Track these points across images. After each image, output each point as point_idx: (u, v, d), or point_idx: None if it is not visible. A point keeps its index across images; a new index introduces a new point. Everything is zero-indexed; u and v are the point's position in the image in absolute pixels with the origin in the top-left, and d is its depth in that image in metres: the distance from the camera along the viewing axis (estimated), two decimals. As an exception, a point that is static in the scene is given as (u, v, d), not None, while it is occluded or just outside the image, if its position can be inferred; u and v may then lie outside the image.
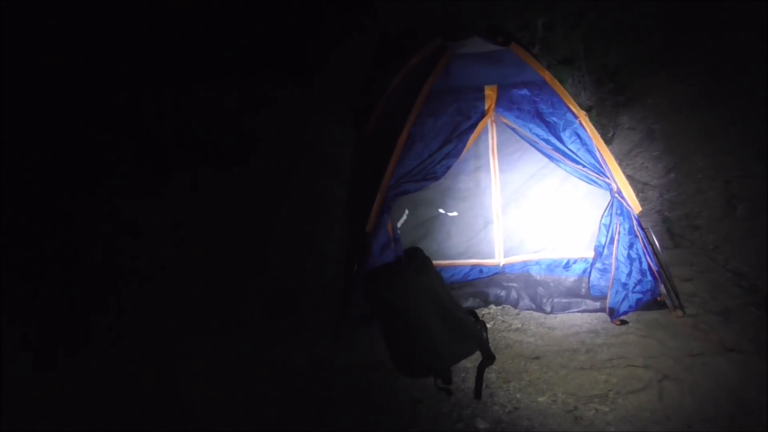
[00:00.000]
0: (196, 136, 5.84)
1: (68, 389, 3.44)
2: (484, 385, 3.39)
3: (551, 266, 4.17)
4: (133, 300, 4.22)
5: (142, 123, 5.78)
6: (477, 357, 3.61)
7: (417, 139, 3.94)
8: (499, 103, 3.96)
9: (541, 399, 3.27)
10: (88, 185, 5.03)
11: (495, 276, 4.18)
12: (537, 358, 3.61)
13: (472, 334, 3.59)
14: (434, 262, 3.94)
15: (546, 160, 4.03)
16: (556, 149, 3.89)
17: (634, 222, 3.84)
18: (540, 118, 3.92)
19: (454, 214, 4.25)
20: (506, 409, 3.21)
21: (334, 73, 6.86)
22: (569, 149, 3.88)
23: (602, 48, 6.45)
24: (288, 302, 4.29)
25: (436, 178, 3.94)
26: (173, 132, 5.83)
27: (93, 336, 3.90)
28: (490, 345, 3.68)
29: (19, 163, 4.93)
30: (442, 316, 3.52)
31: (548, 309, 4.04)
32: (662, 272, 3.87)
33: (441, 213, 4.24)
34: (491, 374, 3.49)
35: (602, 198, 4.00)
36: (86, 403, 3.36)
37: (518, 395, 3.31)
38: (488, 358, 3.54)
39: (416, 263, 3.68)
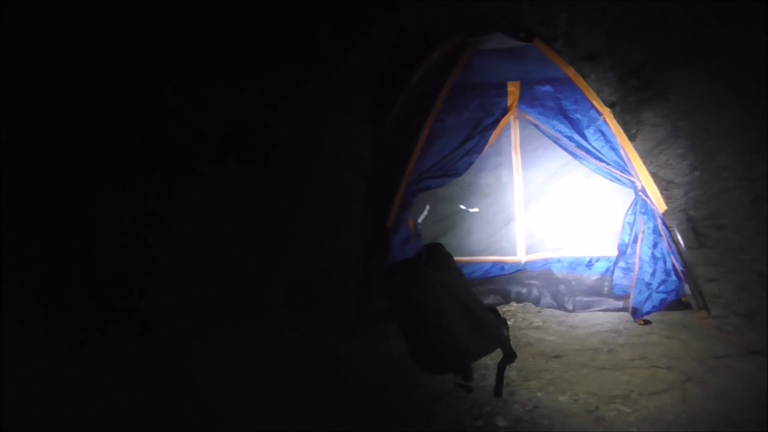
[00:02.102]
0: (217, 130, 5.88)
1: (92, 378, 3.49)
2: (504, 383, 3.37)
3: (573, 264, 4.13)
4: (155, 292, 4.26)
5: (165, 118, 5.83)
6: (497, 354, 3.59)
7: (438, 135, 3.93)
8: (521, 99, 3.93)
9: (561, 398, 3.24)
10: (114, 178, 5.09)
11: (516, 273, 4.16)
12: (558, 356, 3.58)
13: (492, 332, 3.57)
14: (455, 258, 3.93)
15: (569, 157, 4.00)
16: (580, 146, 3.86)
17: (659, 221, 3.78)
18: (563, 114, 3.88)
19: (475, 210, 4.23)
20: (526, 408, 3.19)
21: (354, 67, 6.83)
22: (593, 146, 3.84)
23: (626, 43, 6.35)
24: (307, 296, 4.30)
25: (458, 174, 3.93)
26: (195, 126, 5.88)
27: (116, 326, 3.95)
28: (511, 342, 3.66)
29: (48, 157, 5.01)
30: (462, 312, 3.51)
31: (570, 307, 4.00)
32: (687, 272, 3.81)
33: (462, 209, 4.23)
34: (511, 372, 3.47)
35: (626, 196, 3.95)
36: (109, 393, 3.41)
37: (539, 394, 3.28)
38: (509, 356, 3.52)
39: (437, 259, 3.67)
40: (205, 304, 4.14)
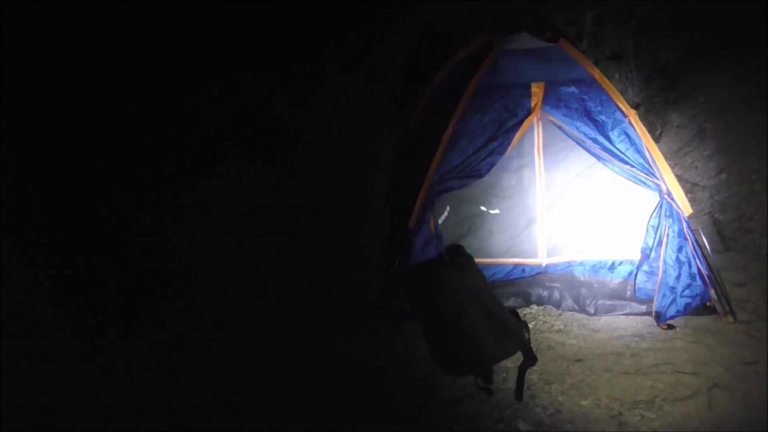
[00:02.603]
0: (241, 128, 5.93)
1: (115, 375, 3.55)
2: (525, 386, 3.36)
3: (595, 267, 4.08)
4: (176, 289, 4.31)
5: (190, 116, 5.90)
6: (518, 357, 3.57)
7: (462, 136, 3.92)
8: (546, 100, 3.90)
9: (584, 403, 3.21)
10: (138, 176, 5.17)
11: (537, 276, 4.12)
12: (580, 360, 3.55)
13: (513, 334, 3.55)
14: (476, 259, 3.90)
15: (593, 159, 3.95)
16: (604, 149, 3.81)
17: (684, 224, 3.73)
18: (588, 116, 3.85)
19: (496, 211, 4.21)
20: (548, 412, 3.17)
21: (376, 66, 6.84)
22: (617, 149, 3.80)
23: (653, 43, 6.27)
24: (328, 295, 4.33)
25: (480, 175, 3.91)
26: (219, 125, 5.94)
27: (137, 323, 4.00)
28: (532, 346, 3.64)
29: (72, 154, 5.10)
30: (484, 314, 3.50)
31: (591, 311, 3.96)
32: (713, 276, 3.75)
33: (482, 210, 4.21)
34: (533, 375, 3.45)
35: (650, 199, 3.89)
36: (131, 390, 3.46)
37: (560, 398, 3.26)
38: (530, 359, 3.50)
39: (459, 261, 3.66)
40: (226, 302, 4.19)
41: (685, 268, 3.72)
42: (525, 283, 4.10)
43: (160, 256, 4.61)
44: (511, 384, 3.40)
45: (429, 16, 6.82)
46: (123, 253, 4.59)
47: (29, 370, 3.53)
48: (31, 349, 3.63)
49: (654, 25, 6.33)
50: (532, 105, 3.91)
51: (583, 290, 4.03)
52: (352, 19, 6.92)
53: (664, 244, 3.75)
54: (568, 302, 4.01)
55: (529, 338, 3.68)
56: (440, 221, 4.15)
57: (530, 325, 3.89)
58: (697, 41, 6.33)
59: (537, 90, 3.92)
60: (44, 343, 3.71)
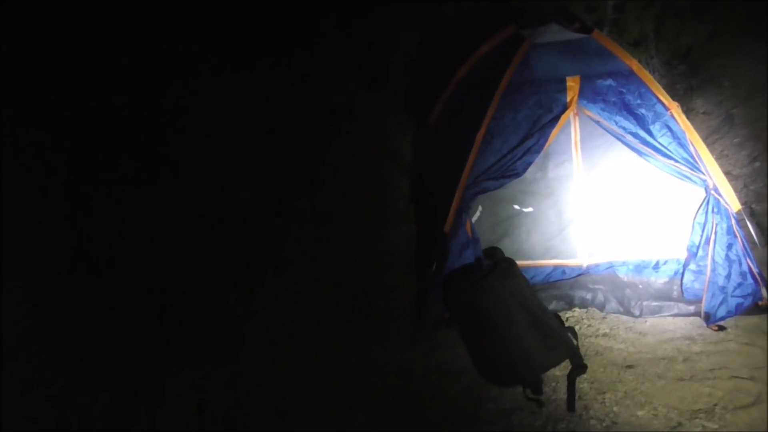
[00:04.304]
0: (251, 125, 5.78)
1: (150, 392, 3.42)
2: (576, 396, 3.22)
3: (639, 267, 3.94)
4: (207, 303, 4.16)
5: (198, 115, 5.76)
6: (566, 365, 3.44)
7: (495, 134, 3.77)
8: (582, 94, 3.76)
9: (640, 413, 3.08)
10: (158, 180, 5.04)
11: (579, 277, 3.98)
12: (630, 366, 3.41)
13: (561, 341, 3.42)
14: (515, 262, 3.77)
15: (633, 154, 3.80)
16: (645, 143, 3.67)
17: (733, 221, 3.59)
18: (627, 110, 3.70)
19: (530, 209, 4.07)
20: (604, 424, 3.04)
21: (389, 60, 6.66)
22: (659, 143, 3.65)
23: (676, 28, 6.10)
24: (359, 303, 4.18)
25: (517, 174, 3.77)
26: (226, 121, 5.79)
27: (175, 340, 3.86)
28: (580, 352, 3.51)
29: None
30: (530, 322, 3.36)
31: (637, 312, 3.82)
32: (763, 273, 3.61)
33: (516, 209, 4.07)
34: (583, 384, 3.32)
35: (695, 194, 3.75)
36: (166, 410, 3.34)
37: (615, 408, 3.13)
38: (579, 367, 3.36)
39: (502, 266, 3.51)
40: (255, 315, 4.04)
41: (736, 266, 3.58)
42: (567, 286, 3.96)
43: (178, 265, 4.47)
44: (562, 394, 3.27)
45: (442, 6, 6.63)
46: (136, 261, 4.47)
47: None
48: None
49: (675, 8, 6.16)
50: (568, 100, 3.77)
51: (627, 291, 3.88)
52: (358, 9, 6.74)
53: (712, 242, 3.61)
54: (612, 304, 3.87)
55: (577, 344, 3.54)
56: (473, 220, 4.01)
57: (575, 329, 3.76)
58: (720, 24, 6.17)
59: (572, 84, 3.78)
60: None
